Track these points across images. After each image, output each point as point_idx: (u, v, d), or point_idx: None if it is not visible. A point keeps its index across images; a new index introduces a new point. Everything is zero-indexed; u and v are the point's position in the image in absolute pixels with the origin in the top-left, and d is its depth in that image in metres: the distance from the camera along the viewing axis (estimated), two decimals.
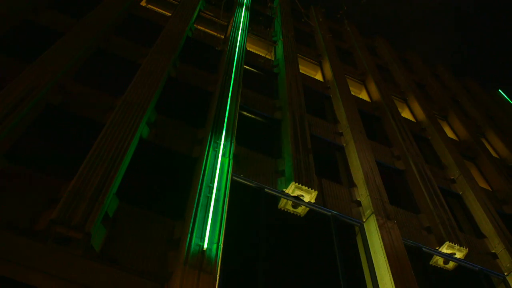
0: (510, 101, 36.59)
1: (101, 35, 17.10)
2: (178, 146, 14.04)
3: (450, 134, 26.74)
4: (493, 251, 17.36)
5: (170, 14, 22.32)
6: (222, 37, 22.88)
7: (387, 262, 13.15)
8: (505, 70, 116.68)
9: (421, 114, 25.93)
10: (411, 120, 25.69)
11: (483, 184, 22.56)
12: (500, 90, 38.07)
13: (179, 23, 20.36)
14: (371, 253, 14.01)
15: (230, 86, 16.97)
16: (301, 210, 14.29)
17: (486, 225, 18.25)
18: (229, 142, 14.03)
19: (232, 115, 15.42)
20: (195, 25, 22.61)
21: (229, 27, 23.54)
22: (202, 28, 22.88)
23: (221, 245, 10.46)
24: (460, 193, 20.33)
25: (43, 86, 12.74)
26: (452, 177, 21.15)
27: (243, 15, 24.62)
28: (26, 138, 11.76)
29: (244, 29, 23.02)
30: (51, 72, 13.41)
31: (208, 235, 10.47)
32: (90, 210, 9.62)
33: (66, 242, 9.14)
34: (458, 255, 15.65)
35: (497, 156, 26.94)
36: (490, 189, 22.38)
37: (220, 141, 13.85)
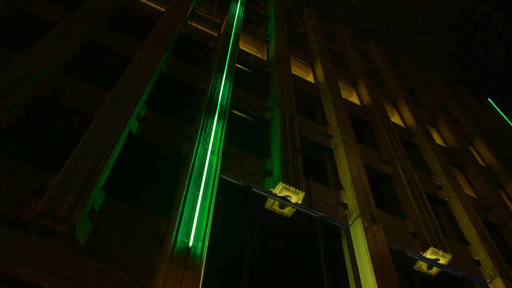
0: (499, 110, 36.89)
1: (94, 28, 17.01)
2: (167, 142, 14.00)
3: (438, 140, 26.89)
4: (477, 258, 17.49)
5: (164, 10, 22.24)
6: (215, 34, 22.84)
7: (371, 265, 13.20)
8: (495, 80, 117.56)
9: (410, 120, 26.06)
10: (400, 125, 25.81)
11: (469, 192, 22.72)
12: (489, 99, 38.38)
13: (172, 19, 20.31)
14: (356, 256, 14.05)
15: (221, 84, 16.95)
16: (287, 210, 14.31)
17: (470, 232, 18.38)
18: (218, 140, 14.01)
19: (222, 113, 15.40)
20: (188, 21, 22.56)
21: (223, 24, 23.52)
22: (196, 25, 22.82)
23: (207, 242, 10.45)
24: (446, 199, 20.46)
25: (33, 77, 12.64)
26: (438, 183, 21.28)
27: (237, 13, 24.60)
28: (14, 128, 11.67)
29: (238, 28, 23.01)
30: (42, 63, 13.31)
31: (194, 232, 10.45)
32: (76, 203, 9.56)
33: (51, 235, 9.08)
34: (442, 261, 15.75)
35: (484, 164, 27.15)
36: (476, 197, 22.54)
37: (209, 138, 13.83)
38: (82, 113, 13.27)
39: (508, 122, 35.34)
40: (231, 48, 20.21)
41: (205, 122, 14.49)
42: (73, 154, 10.68)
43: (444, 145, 26.62)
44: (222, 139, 14.21)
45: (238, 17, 24.30)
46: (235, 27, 22.69)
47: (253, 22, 25.70)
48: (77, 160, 10.58)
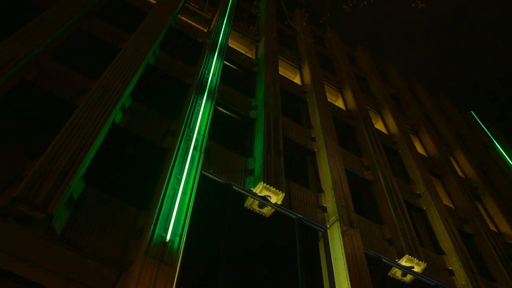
0: (481, 123, 37.30)
1: (83, 15, 16.85)
2: (150, 135, 13.94)
3: (420, 149, 27.12)
4: (450, 268, 17.68)
5: (154, 2, 22.11)
6: (205, 30, 22.78)
7: (347, 269, 13.27)
8: (479, 93, 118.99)
9: (393, 127, 26.24)
10: (383, 132, 25.97)
11: (447, 202, 22.94)
12: (472, 112, 38.78)
13: (163, 11, 20.20)
14: (332, 259, 14.11)
15: (208, 80, 16.91)
16: (267, 210, 14.33)
17: (446, 242, 18.57)
18: (201, 136, 13.98)
19: (207, 109, 15.37)
20: (179, 15, 22.47)
21: (213, 21, 23.45)
22: (186, 20, 22.75)
23: (184, 238, 10.42)
24: (424, 208, 20.64)
25: (18, 60, 12.49)
26: (417, 192, 21.46)
27: (228, 10, 24.54)
28: None
29: (228, 25, 22.97)
30: (28, 47, 13.16)
31: (172, 227, 10.41)
32: (54, 190, 9.47)
33: (27, 222, 8.99)
34: (416, 269, 15.89)
35: (463, 176, 27.44)
36: (453, 207, 22.77)
37: (193, 134, 13.79)
38: (66, 100, 13.15)
39: (489, 136, 35.77)
40: (219, 45, 20.17)
41: (190, 117, 14.44)
42: (54, 141, 10.59)
43: (425, 155, 26.86)
44: (206, 135, 14.18)
45: (229, 14, 24.24)
46: (225, 24, 22.64)
47: (244, 20, 25.70)
48: (58, 147, 10.48)
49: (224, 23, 22.71)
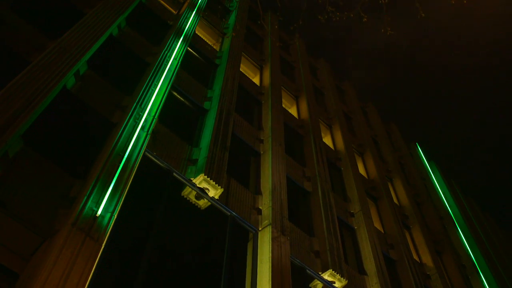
0: (423, 156, 38.46)
1: None
2: (100, 106, 13.65)
3: (361, 170, 27.66)
4: None
5: None
6: (175, 12, 22.53)
7: (270, 274, 13.37)
8: (428, 127, 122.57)
9: (340, 144, 26.68)
10: (330, 147, 26.36)
11: (377, 225, 23.49)
12: (417, 143, 39.93)
13: None
14: (258, 261, 14.20)
15: (168, 63, 16.73)
16: (202, 203, 14.28)
17: (370, 263, 19.00)
18: (151, 117, 13.83)
19: (162, 91, 15.21)
20: None
21: (185, 4, 23.21)
22: None
23: (116, 216, 10.26)
24: (355, 227, 21.07)
25: None
26: (352, 211, 21.89)
27: None
28: None
29: (199, 12, 22.80)
30: None
31: (105, 203, 10.23)
32: None
33: None
34: (337, 284, 16.19)
35: (397, 203, 28.16)
36: (383, 232, 23.34)
37: (143, 114, 13.63)
38: (19, 54, 12.70)
39: (428, 170, 36.94)
40: (186, 31, 19.99)
41: (143, 96, 14.26)
42: None
43: (366, 176, 27.43)
44: (156, 117, 14.03)
45: (201, 1, 24.06)
46: (196, 11, 22.46)
47: (216, 11, 25.57)
48: (2, 101, 10.12)
49: (195, 9, 22.53)
